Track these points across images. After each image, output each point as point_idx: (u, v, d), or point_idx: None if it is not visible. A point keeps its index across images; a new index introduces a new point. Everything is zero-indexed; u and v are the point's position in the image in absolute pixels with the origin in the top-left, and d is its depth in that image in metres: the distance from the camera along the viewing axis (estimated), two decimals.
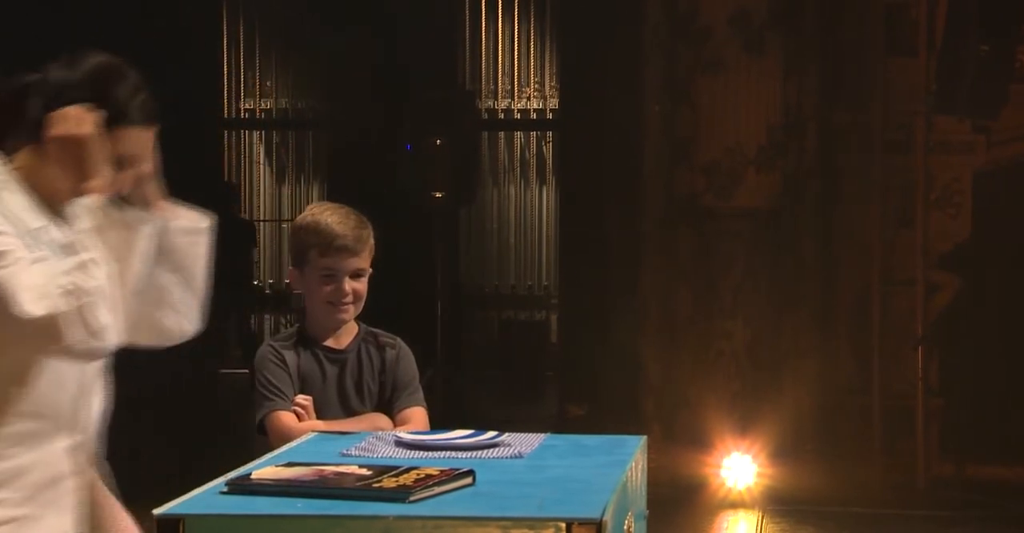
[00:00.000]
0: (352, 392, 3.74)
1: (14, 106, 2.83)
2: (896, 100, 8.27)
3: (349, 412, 3.72)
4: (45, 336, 2.65)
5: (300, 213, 3.92)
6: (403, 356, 3.81)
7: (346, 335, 3.75)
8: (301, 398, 3.63)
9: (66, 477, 2.85)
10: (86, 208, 2.73)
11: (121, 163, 2.79)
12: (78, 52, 2.87)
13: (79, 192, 2.77)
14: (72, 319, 2.63)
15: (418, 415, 3.76)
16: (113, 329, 2.69)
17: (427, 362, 9.04)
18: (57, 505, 2.80)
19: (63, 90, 2.80)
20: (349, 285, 3.65)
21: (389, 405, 3.76)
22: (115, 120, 2.78)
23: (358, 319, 3.81)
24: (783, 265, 8.41)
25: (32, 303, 2.62)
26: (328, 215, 3.69)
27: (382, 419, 3.73)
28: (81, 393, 2.87)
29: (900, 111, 8.27)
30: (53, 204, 2.83)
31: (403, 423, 3.71)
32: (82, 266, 2.66)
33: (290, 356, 3.67)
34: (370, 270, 3.74)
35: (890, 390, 8.26)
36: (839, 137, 8.40)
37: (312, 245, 3.66)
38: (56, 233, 2.82)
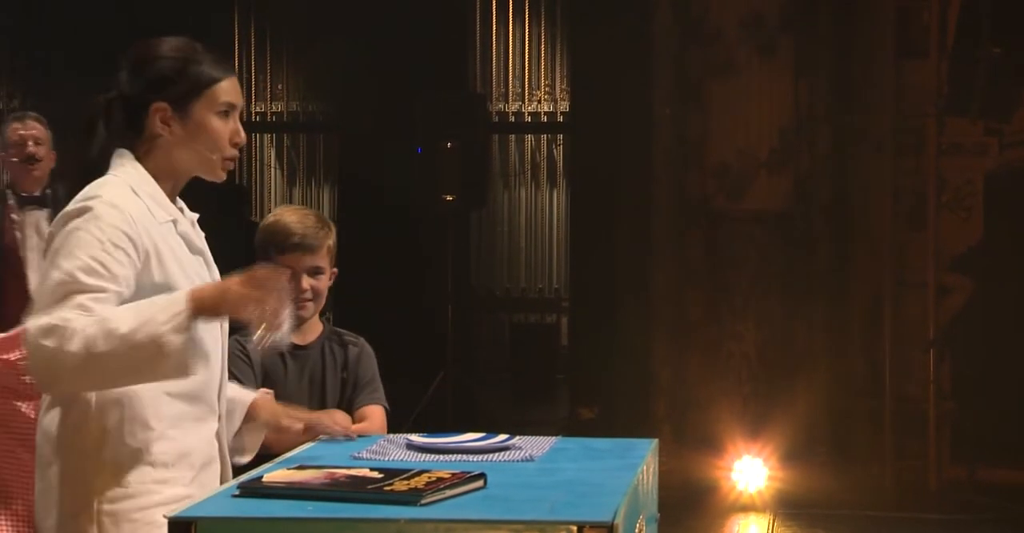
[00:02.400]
0: (316, 388, 3.82)
1: (105, 115, 2.96)
2: (908, 102, 8.26)
3: (312, 408, 3.79)
4: (27, 357, 2.74)
5: None
6: (365, 355, 3.90)
7: (310, 333, 3.84)
8: (263, 391, 3.71)
9: (215, 461, 2.98)
10: (177, 302, 2.73)
11: (228, 112, 2.97)
12: (137, 46, 3.01)
13: (204, 172, 2.95)
14: (42, 363, 2.69)
15: (377, 414, 3.84)
16: (64, 389, 2.78)
17: (437, 365, 9.04)
18: (211, 489, 2.87)
19: (142, 80, 2.93)
20: (307, 282, 3.76)
21: (350, 403, 3.85)
22: (201, 83, 2.94)
23: (324, 319, 3.89)
24: (794, 267, 8.39)
25: (32, 327, 2.70)
26: (288, 215, 3.81)
27: (340, 415, 3.79)
28: (221, 380, 3.00)
29: (912, 113, 8.25)
30: (169, 191, 2.98)
31: (361, 420, 3.79)
32: (110, 335, 2.68)
33: (253, 351, 3.73)
34: (332, 270, 3.82)
35: (901, 393, 8.25)
36: (850, 139, 8.39)
37: (271, 244, 3.78)
38: (185, 225, 2.97)
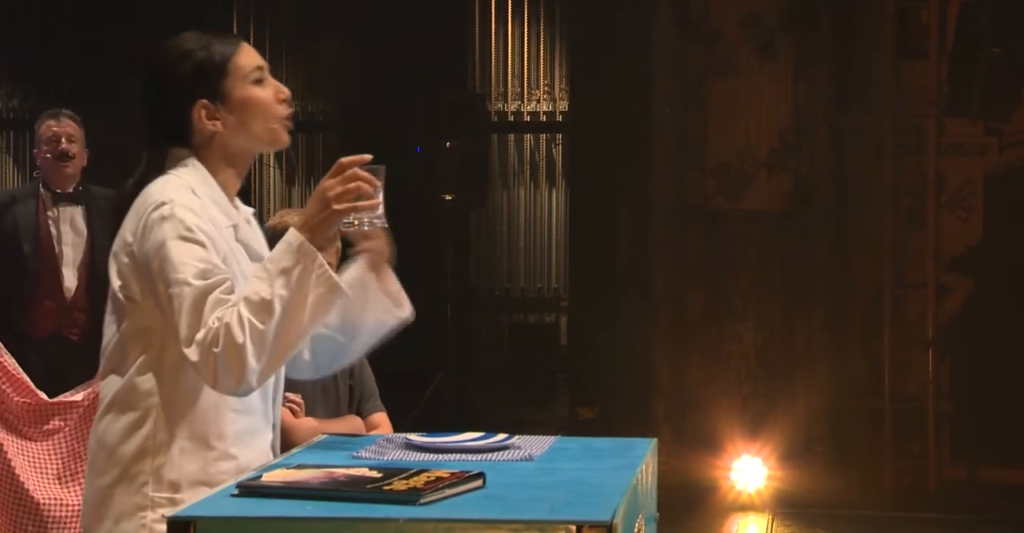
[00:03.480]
0: (330, 396, 3.84)
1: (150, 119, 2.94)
2: (907, 102, 8.26)
3: (326, 415, 3.83)
4: (203, 377, 2.74)
5: None
6: (365, 363, 3.94)
7: None
8: (293, 396, 3.72)
9: None
10: (292, 245, 2.75)
11: (261, 77, 2.93)
12: (147, 65, 3.00)
13: (268, 146, 2.95)
14: (223, 366, 2.69)
15: (386, 421, 3.99)
16: (261, 374, 2.74)
17: (437, 365, 9.04)
18: None
19: (169, 88, 2.91)
20: None
21: (357, 410, 3.87)
22: (222, 62, 2.91)
23: None
24: (794, 268, 8.39)
25: (193, 347, 2.71)
26: (295, 217, 3.79)
27: (357, 421, 3.92)
28: (275, 390, 2.98)
29: (911, 113, 8.25)
30: (228, 191, 2.95)
31: (373, 428, 3.92)
32: (260, 308, 2.70)
33: None
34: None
35: (901, 393, 8.25)
36: (850, 139, 8.39)
37: None
38: (245, 232, 2.95)
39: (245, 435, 2.89)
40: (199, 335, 2.71)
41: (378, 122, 9.70)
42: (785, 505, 7.66)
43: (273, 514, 2.41)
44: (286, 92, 2.96)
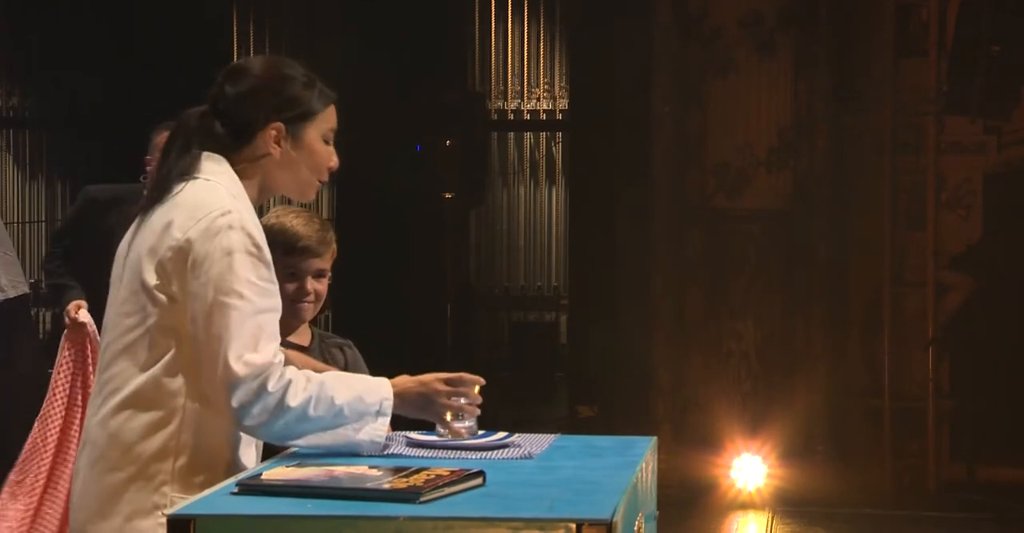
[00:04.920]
0: None
1: (201, 127, 2.96)
2: (907, 101, 8.26)
3: None
4: (227, 388, 2.79)
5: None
6: (359, 358, 3.92)
7: (305, 335, 3.85)
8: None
9: None
10: (380, 398, 2.89)
11: (328, 139, 3.02)
12: (234, 63, 3.04)
13: (297, 194, 3.04)
14: (259, 401, 2.77)
15: None
16: (262, 429, 2.81)
17: (436, 364, 9.03)
18: None
19: (256, 99, 2.95)
20: (311, 285, 3.74)
21: None
22: (316, 108, 3.00)
23: (311, 323, 3.89)
24: (793, 266, 8.40)
25: (241, 364, 2.75)
26: (292, 218, 3.80)
27: None
28: None
29: (911, 112, 8.25)
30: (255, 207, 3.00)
31: None
32: (325, 403, 2.81)
33: None
34: (330, 273, 3.81)
35: (901, 392, 8.25)
36: (850, 138, 8.39)
37: (276, 246, 3.74)
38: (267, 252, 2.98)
39: (247, 446, 2.92)
40: (254, 357, 2.75)
41: (378, 120, 9.69)
42: (785, 503, 7.66)
43: (273, 512, 2.41)
44: (336, 163, 3.05)
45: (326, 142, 3.02)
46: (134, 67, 9.67)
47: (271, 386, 2.75)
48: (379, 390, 2.89)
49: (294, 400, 2.76)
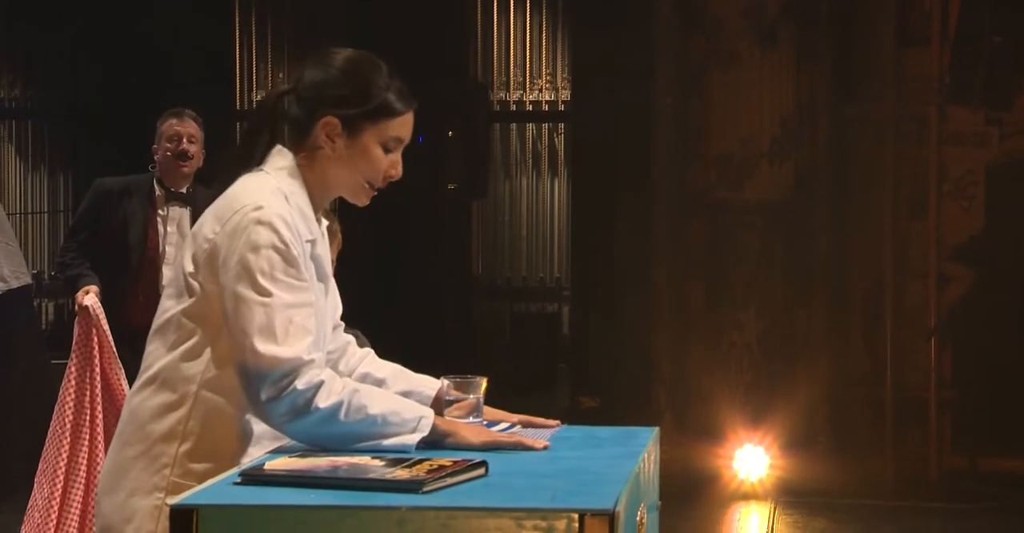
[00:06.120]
0: None
1: (276, 108, 2.94)
2: (909, 91, 8.26)
3: None
4: (251, 378, 2.77)
5: None
6: (367, 347, 3.87)
7: None
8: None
9: None
10: (423, 419, 2.82)
11: (389, 147, 2.96)
12: (326, 49, 2.98)
13: (350, 195, 2.96)
14: (285, 396, 2.75)
15: None
16: (282, 423, 2.78)
17: (439, 355, 9.04)
18: None
19: (323, 89, 2.90)
20: None
21: None
22: (380, 112, 2.92)
23: None
24: (795, 257, 8.40)
25: (264, 354, 2.73)
26: None
27: None
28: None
29: (913, 102, 8.25)
30: (316, 206, 2.95)
31: None
32: (358, 409, 2.76)
33: None
34: (335, 263, 3.79)
35: (903, 382, 8.25)
36: (852, 129, 8.39)
37: None
38: (322, 247, 2.95)
39: (256, 443, 2.90)
40: (279, 350, 2.73)
41: None
42: (787, 494, 7.66)
43: (276, 502, 2.41)
44: (398, 172, 2.98)
45: (387, 149, 2.95)
46: (137, 59, 9.67)
47: (300, 384, 2.73)
48: (419, 410, 2.83)
49: (324, 402, 2.73)
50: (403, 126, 2.98)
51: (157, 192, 6.22)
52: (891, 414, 8.22)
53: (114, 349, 5.47)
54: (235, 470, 2.63)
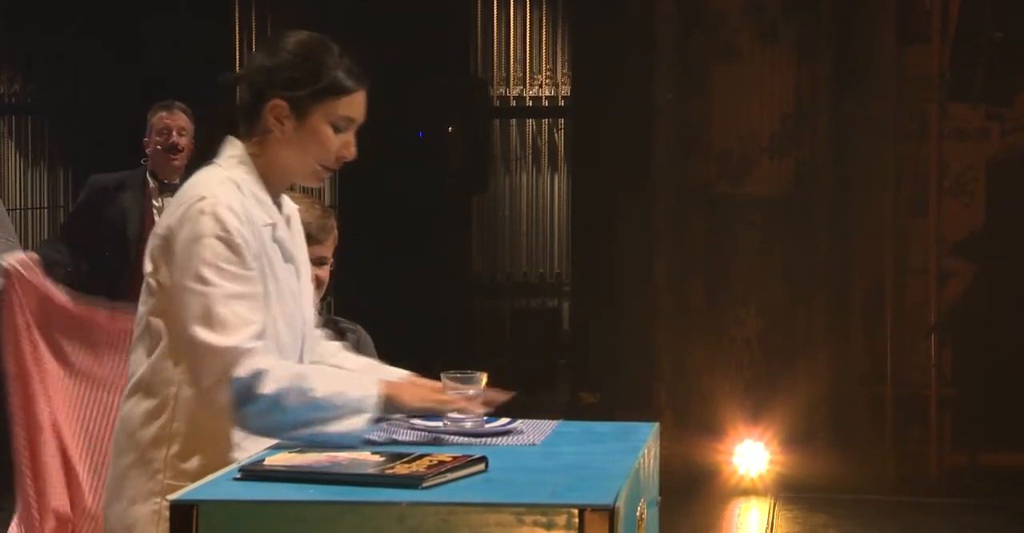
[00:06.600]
0: None
1: (228, 94, 2.94)
2: (909, 88, 8.25)
3: None
4: (198, 360, 2.76)
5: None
6: (364, 342, 3.89)
7: None
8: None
9: None
10: (372, 395, 2.79)
11: (340, 127, 2.93)
12: (277, 33, 3.01)
13: (302, 178, 2.93)
14: (231, 385, 2.74)
15: None
16: (236, 414, 2.77)
17: (438, 350, 9.04)
18: None
19: (271, 73, 2.89)
20: (313, 271, 3.72)
21: None
22: (327, 91, 2.90)
23: (322, 307, 3.86)
24: (796, 253, 8.39)
25: (208, 339, 2.72)
26: (300, 202, 3.75)
27: None
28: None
29: (913, 99, 8.25)
30: (273, 190, 2.94)
31: None
32: (301, 393, 2.74)
33: None
34: (331, 259, 3.78)
35: (903, 379, 8.25)
36: (852, 125, 8.38)
37: None
38: (282, 230, 2.93)
39: (246, 438, 2.89)
40: (219, 340, 2.72)
41: (379, 107, 9.68)
42: (787, 490, 7.66)
43: (275, 498, 2.41)
44: (351, 153, 2.96)
45: (337, 129, 2.93)
46: (137, 55, 9.66)
47: (240, 371, 2.72)
48: (366, 387, 2.80)
49: (267, 389, 2.72)
50: (353, 105, 2.96)
51: (151, 185, 6.24)
52: (891, 410, 8.22)
53: (70, 310, 4.88)
54: (234, 466, 2.63)
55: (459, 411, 2.89)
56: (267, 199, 2.92)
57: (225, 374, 2.72)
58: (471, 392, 2.98)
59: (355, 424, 2.76)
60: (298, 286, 2.98)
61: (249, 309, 2.77)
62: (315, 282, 3.75)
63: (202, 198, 2.82)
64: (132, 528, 2.86)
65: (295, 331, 2.94)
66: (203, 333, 2.73)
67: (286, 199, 3.02)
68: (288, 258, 2.96)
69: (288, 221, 3.00)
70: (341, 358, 3.15)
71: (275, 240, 2.92)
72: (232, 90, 2.95)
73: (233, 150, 2.92)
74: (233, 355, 2.72)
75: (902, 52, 8.29)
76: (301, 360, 3.01)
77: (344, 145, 2.95)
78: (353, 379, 2.85)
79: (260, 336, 2.78)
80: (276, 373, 2.74)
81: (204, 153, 2.94)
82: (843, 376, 8.32)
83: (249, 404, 2.73)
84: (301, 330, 2.97)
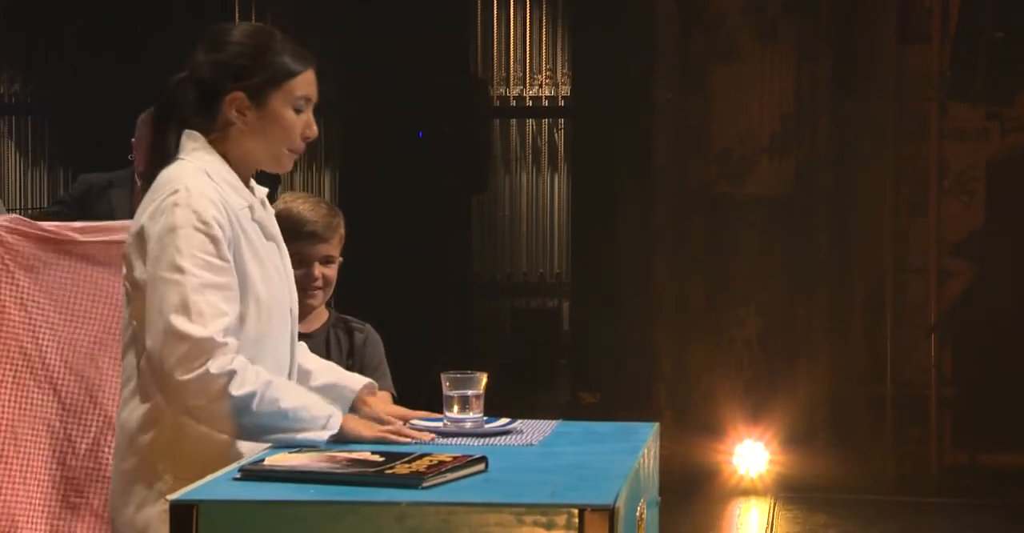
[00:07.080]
0: None
1: (178, 95, 2.95)
2: (909, 87, 8.25)
3: None
4: (159, 355, 2.75)
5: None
6: (371, 341, 3.88)
7: (316, 320, 3.82)
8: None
9: None
10: (330, 419, 2.82)
11: (303, 106, 2.95)
12: (213, 28, 3.00)
13: (271, 165, 2.95)
14: (194, 378, 2.73)
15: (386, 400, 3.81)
16: (190, 409, 2.78)
17: (439, 351, 9.04)
18: None
19: (222, 67, 2.91)
20: (319, 270, 3.74)
21: None
22: (281, 75, 2.92)
23: (329, 306, 3.87)
24: (795, 253, 8.39)
25: (173, 331, 2.72)
26: (299, 203, 3.78)
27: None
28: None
29: (913, 98, 8.24)
30: (242, 177, 2.95)
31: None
32: (271, 403, 2.76)
33: None
34: (339, 258, 3.79)
35: (903, 378, 8.25)
36: (852, 125, 8.38)
37: (284, 230, 3.73)
38: (260, 212, 2.94)
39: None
40: (192, 329, 2.71)
41: (380, 107, 9.69)
42: (787, 490, 7.66)
43: (275, 498, 2.41)
44: (314, 132, 2.98)
45: (297, 111, 2.94)
46: (137, 56, 9.66)
47: (213, 367, 2.71)
48: (327, 408, 2.83)
49: (238, 390, 2.72)
50: (307, 84, 2.97)
51: (139, 183, 6.25)
52: (891, 410, 8.22)
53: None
54: (235, 465, 2.63)
55: (411, 438, 2.89)
56: (239, 184, 2.93)
57: (193, 363, 2.71)
58: (471, 392, 2.98)
59: (316, 436, 2.78)
60: (282, 263, 3.00)
61: (223, 299, 2.77)
62: (322, 281, 3.75)
63: (175, 191, 2.82)
64: (144, 531, 2.86)
65: (283, 307, 2.95)
66: (179, 321, 2.72)
67: (255, 184, 3.03)
68: (269, 236, 2.98)
69: (263, 204, 3.02)
70: (302, 358, 3.16)
71: (255, 221, 2.93)
72: (181, 88, 2.95)
73: (194, 143, 2.92)
74: (208, 346, 2.72)
75: (902, 52, 8.29)
76: (293, 338, 3.02)
77: (306, 125, 2.97)
78: (315, 399, 2.87)
79: (231, 330, 2.77)
80: (247, 376, 2.74)
81: (161, 153, 2.93)
82: (843, 376, 8.32)
83: (219, 402, 2.72)
84: (289, 305, 2.98)
